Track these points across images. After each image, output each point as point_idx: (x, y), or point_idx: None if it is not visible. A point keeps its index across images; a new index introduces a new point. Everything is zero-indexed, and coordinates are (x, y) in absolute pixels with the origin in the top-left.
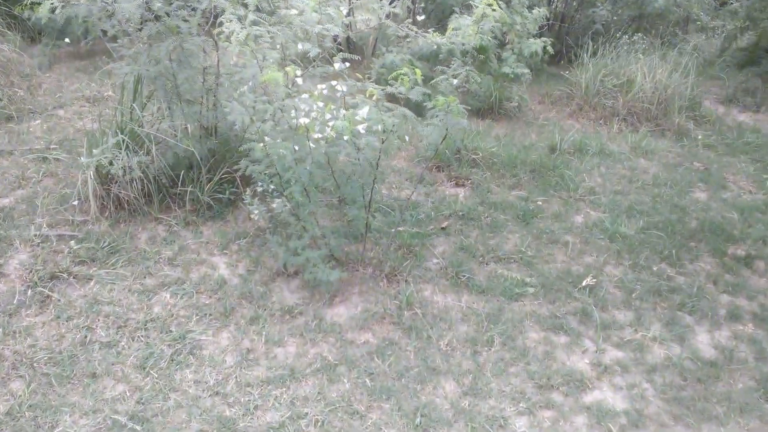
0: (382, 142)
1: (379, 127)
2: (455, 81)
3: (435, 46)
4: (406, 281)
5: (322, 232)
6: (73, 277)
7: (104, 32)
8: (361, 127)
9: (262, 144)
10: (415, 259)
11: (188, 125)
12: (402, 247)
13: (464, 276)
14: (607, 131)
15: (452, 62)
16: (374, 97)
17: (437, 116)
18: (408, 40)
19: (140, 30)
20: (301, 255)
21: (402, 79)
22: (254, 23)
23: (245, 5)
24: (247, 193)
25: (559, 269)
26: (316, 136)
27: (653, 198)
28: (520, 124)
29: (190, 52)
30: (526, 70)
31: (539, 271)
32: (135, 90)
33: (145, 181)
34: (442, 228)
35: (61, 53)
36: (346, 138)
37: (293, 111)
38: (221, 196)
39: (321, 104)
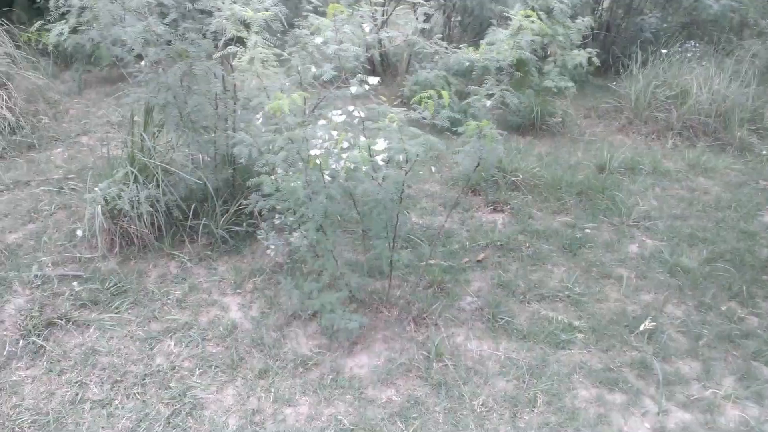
0: (405, 174)
1: (401, 158)
2: (488, 102)
3: (467, 63)
4: (435, 325)
5: (341, 270)
6: (72, 323)
7: (120, 58)
8: (380, 158)
9: (272, 177)
10: (446, 297)
11: (201, 155)
12: (432, 285)
13: (502, 318)
14: (660, 147)
15: (486, 80)
16: (395, 123)
17: (469, 142)
18: (439, 56)
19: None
20: (318, 299)
21: (426, 103)
22: (259, 45)
23: (247, 26)
24: (263, 226)
25: (612, 310)
26: (331, 167)
27: (717, 223)
28: (564, 140)
29: (201, 78)
30: (570, 84)
31: (589, 312)
32: (145, 119)
33: (155, 214)
34: (478, 261)
35: (92, 78)
36: (365, 169)
37: (305, 141)
38: (238, 228)
39: (336, 133)
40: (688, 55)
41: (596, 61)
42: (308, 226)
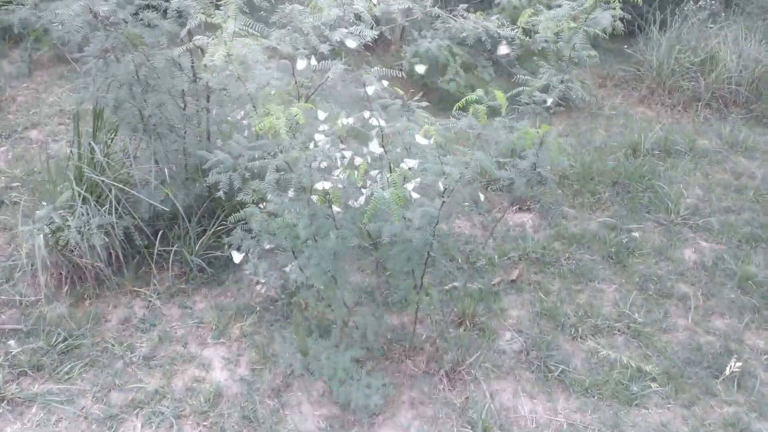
0: (442, 203)
1: (440, 185)
2: (549, 100)
3: (480, 29)
4: (474, 379)
5: (355, 321)
6: (6, 403)
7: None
8: (410, 185)
9: (262, 206)
10: (482, 335)
11: (167, 165)
12: (463, 318)
13: (555, 365)
14: (690, 121)
15: (540, 68)
16: (432, 139)
17: (525, 156)
18: (441, 22)
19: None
20: (326, 362)
21: (477, 110)
22: (238, 34)
23: (218, 6)
24: (249, 256)
25: (684, 344)
26: (350, 203)
27: None
28: (582, 115)
29: (163, 70)
30: (593, 52)
31: (658, 349)
32: (95, 123)
33: (111, 243)
34: (512, 281)
35: (44, 58)
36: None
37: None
38: (218, 254)
39: (348, 153)
40: (705, 13)
41: (620, 25)
42: (313, 273)
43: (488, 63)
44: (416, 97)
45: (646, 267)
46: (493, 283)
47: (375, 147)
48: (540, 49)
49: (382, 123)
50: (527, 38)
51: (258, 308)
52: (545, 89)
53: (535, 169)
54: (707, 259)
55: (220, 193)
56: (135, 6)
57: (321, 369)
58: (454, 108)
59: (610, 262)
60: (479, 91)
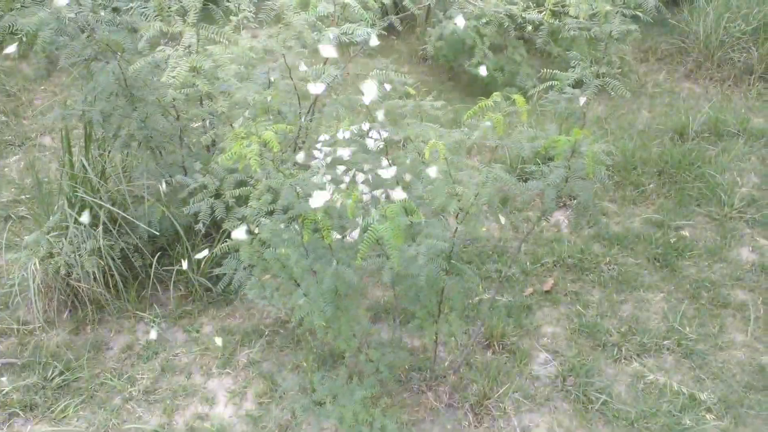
0: (455, 231)
1: (451, 208)
2: (583, 99)
3: (501, 13)
4: (503, 413)
5: (368, 354)
6: None
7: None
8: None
9: (254, 228)
10: (512, 358)
11: (163, 181)
12: (490, 340)
13: (596, 394)
14: (742, 97)
15: (570, 60)
16: (441, 154)
17: (556, 168)
18: (459, 7)
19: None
20: (336, 404)
21: (494, 120)
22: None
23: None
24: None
25: (743, 364)
26: (346, 236)
27: None
28: (625, 98)
29: (145, 79)
30: (633, 26)
31: (713, 371)
32: (86, 138)
33: (108, 267)
34: (546, 291)
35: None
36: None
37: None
38: (225, 271)
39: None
40: None
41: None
42: (312, 310)
43: (519, 42)
44: (429, 97)
45: (698, 270)
46: (525, 294)
47: (385, 172)
48: (571, 34)
49: (384, 134)
50: (556, 22)
51: (267, 331)
52: (578, 84)
53: (567, 182)
54: (766, 259)
55: (200, 226)
56: (110, 10)
57: (328, 413)
58: (465, 116)
59: (656, 266)
60: (496, 96)
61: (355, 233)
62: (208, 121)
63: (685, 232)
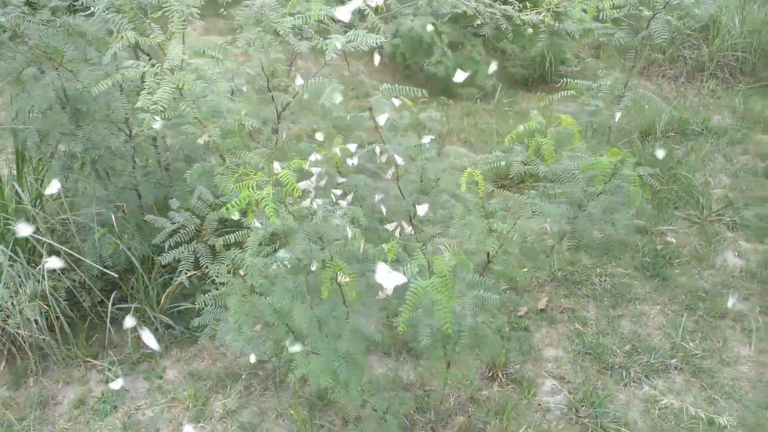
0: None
1: (489, 248)
2: (618, 115)
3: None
4: None
5: (371, 403)
6: None
7: None
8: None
9: (240, 271)
10: (519, 388)
11: (113, 208)
12: (494, 371)
13: (613, 425)
14: (696, 93)
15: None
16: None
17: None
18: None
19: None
20: None
21: (541, 144)
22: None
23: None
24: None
25: (752, 381)
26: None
27: None
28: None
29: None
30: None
31: (724, 389)
32: (19, 162)
33: (51, 309)
34: (541, 310)
35: None
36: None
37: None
38: (189, 304)
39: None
40: None
41: None
42: (318, 370)
43: (477, 40)
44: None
45: (689, 279)
46: (519, 315)
47: (421, 209)
48: (571, 34)
49: (400, 161)
50: (556, 23)
51: (243, 374)
52: (594, 94)
53: (608, 215)
54: (752, 263)
55: (183, 278)
56: (50, 9)
57: None
58: (507, 139)
59: (647, 276)
60: (537, 116)
61: (390, 290)
62: (168, 140)
63: (670, 238)
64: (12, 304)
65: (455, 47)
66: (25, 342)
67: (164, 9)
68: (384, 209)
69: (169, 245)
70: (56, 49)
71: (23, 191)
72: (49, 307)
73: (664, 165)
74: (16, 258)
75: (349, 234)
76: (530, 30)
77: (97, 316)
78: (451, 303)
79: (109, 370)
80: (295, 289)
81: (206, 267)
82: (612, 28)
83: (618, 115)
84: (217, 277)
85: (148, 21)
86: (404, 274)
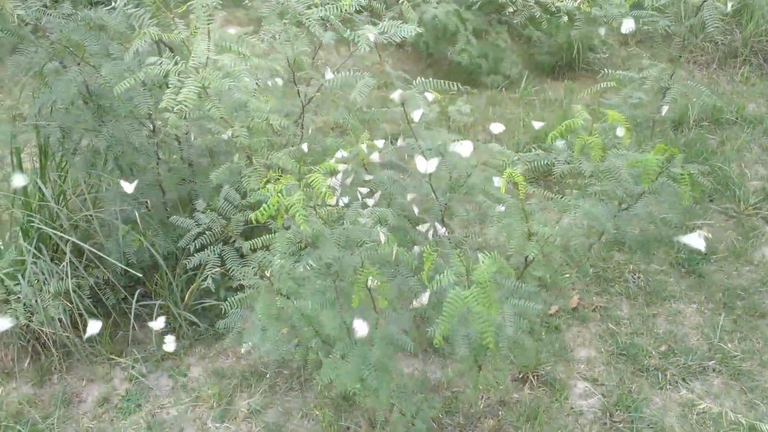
0: (542, 287)
1: (530, 253)
2: (665, 108)
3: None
4: None
5: (399, 408)
6: None
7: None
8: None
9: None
10: (551, 391)
11: (137, 206)
12: (525, 374)
13: (647, 425)
14: (729, 81)
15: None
16: (522, 190)
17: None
18: None
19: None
20: None
21: (588, 144)
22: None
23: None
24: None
25: None
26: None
27: None
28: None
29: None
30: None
31: (765, 393)
32: (42, 158)
33: (79, 305)
34: (573, 309)
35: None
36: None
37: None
38: (213, 302)
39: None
40: None
41: None
42: (345, 376)
43: (502, 27)
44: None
45: (726, 276)
46: (550, 313)
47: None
48: (610, 21)
49: (431, 168)
50: (593, 10)
51: (268, 373)
52: (638, 86)
53: (655, 218)
54: None
55: (209, 282)
56: (71, 1)
57: None
58: (549, 137)
59: (682, 272)
60: (581, 112)
61: (425, 297)
62: (192, 136)
63: (706, 233)
64: (36, 301)
65: (479, 35)
66: (49, 339)
67: (189, 3)
68: (416, 209)
69: (195, 247)
70: (78, 43)
71: (46, 187)
72: (73, 304)
73: (699, 155)
74: (39, 255)
75: (382, 239)
76: (566, 18)
77: (122, 312)
78: (492, 314)
79: (133, 368)
80: (323, 294)
81: (232, 270)
82: (656, 15)
83: (665, 108)
84: (243, 279)
85: (172, 15)
86: (440, 283)
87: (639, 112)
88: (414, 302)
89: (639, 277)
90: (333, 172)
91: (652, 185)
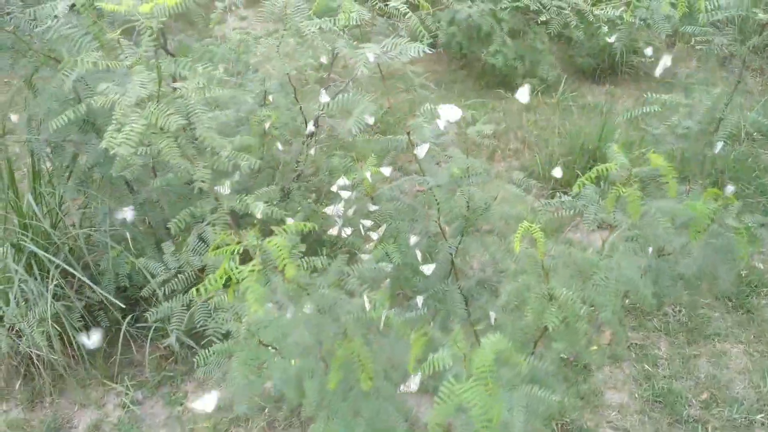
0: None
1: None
2: (719, 144)
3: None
4: None
5: None
6: None
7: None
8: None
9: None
10: None
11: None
12: (548, 421)
13: None
14: None
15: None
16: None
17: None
18: None
19: None
20: None
21: (629, 197)
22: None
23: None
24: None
25: None
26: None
27: None
28: (651, 85)
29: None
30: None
31: None
32: (32, 174)
33: (68, 328)
34: (607, 344)
35: None
36: None
37: None
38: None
39: None
40: None
41: None
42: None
43: (540, 28)
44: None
45: None
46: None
47: None
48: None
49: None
50: (636, 20)
51: (267, 408)
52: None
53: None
54: None
55: (171, 341)
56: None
57: None
58: (577, 185)
59: (729, 307)
60: (617, 154)
61: (414, 383)
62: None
63: (757, 263)
64: (22, 324)
65: (516, 35)
66: (39, 362)
67: (126, 24)
68: (419, 254)
69: (164, 293)
70: (60, 53)
71: (37, 206)
72: (62, 329)
73: (750, 172)
74: (30, 274)
75: (367, 305)
76: (605, 27)
77: (117, 334)
78: (495, 412)
79: (126, 394)
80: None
81: (199, 322)
82: (710, 32)
83: (719, 145)
84: (219, 329)
85: (118, 37)
86: (436, 365)
87: (688, 145)
88: (401, 387)
89: (680, 311)
90: (301, 232)
91: (700, 237)
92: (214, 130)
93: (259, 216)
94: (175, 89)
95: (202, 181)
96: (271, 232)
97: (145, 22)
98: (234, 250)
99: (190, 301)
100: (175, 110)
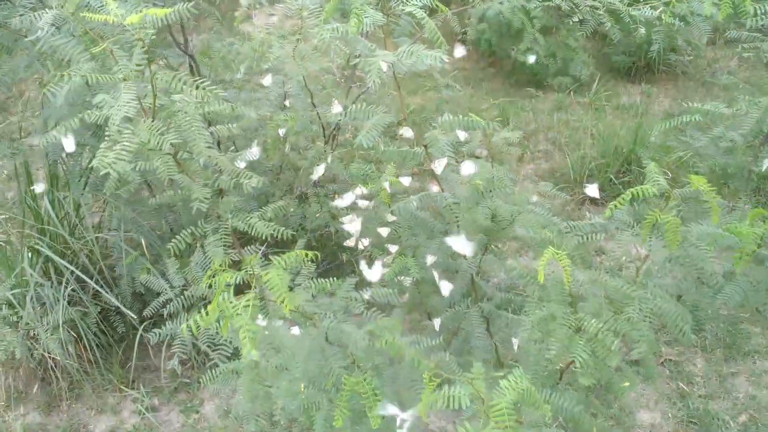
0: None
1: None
2: (765, 162)
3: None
4: None
5: None
6: None
7: None
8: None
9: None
10: None
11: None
12: None
13: None
14: None
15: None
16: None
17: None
18: None
19: None
20: None
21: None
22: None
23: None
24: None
25: None
26: None
27: None
28: (692, 86)
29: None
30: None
31: None
32: (49, 179)
33: (84, 334)
34: (636, 361)
35: None
36: None
37: None
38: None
39: None
40: None
41: None
42: None
43: (574, 25)
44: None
45: None
46: (610, 366)
47: None
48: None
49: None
50: (676, 21)
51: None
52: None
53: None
54: None
55: (174, 364)
56: None
57: None
58: (608, 212)
59: (762, 320)
60: (654, 173)
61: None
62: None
63: None
64: (37, 329)
65: (548, 32)
66: (56, 366)
67: (114, 38)
68: (437, 275)
69: (168, 312)
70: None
71: (54, 211)
72: (78, 335)
73: None
74: (47, 278)
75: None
76: (642, 30)
77: (133, 339)
78: None
79: (142, 401)
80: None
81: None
82: (759, 37)
83: (766, 162)
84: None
85: (110, 48)
86: (450, 402)
87: (732, 160)
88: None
89: (718, 326)
90: (302, 260)
91: (744, 264)
92: (206, 148)
93: (264, 236)
94: (174, 102)
95: (201, 201)
96: (277, 253)
97: (135, 34)
98: (228, 281)
99: (190, 326)
100: (172, 126)
